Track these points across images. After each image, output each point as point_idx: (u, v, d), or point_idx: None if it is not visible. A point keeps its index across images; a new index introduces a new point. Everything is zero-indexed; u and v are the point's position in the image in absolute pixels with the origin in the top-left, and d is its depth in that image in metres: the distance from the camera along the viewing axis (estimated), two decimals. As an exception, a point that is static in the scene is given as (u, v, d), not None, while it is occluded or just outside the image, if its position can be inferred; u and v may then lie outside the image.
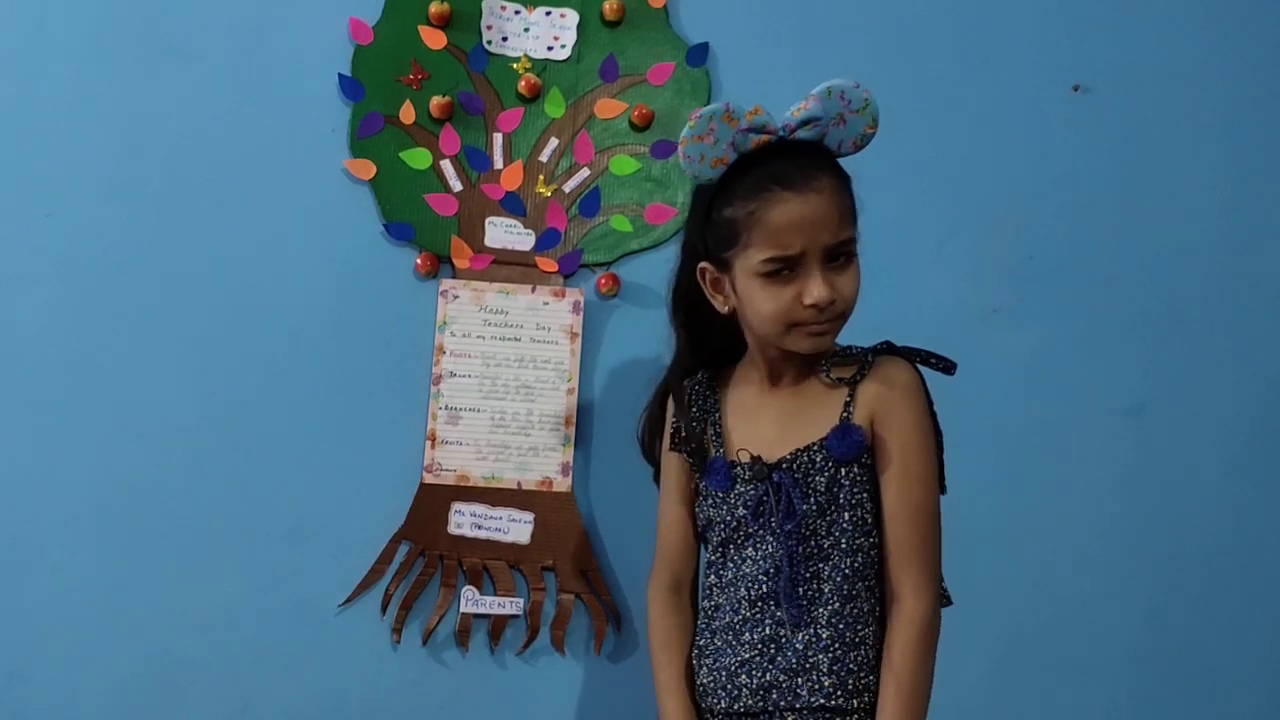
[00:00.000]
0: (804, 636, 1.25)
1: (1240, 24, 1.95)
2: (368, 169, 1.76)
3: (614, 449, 1.78)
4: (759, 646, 1.27)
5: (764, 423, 1.34)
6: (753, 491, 1.29)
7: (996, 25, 1.90)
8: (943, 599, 1.30)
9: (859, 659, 1.24)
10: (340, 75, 1.76)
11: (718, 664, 1.30)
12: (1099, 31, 1.92)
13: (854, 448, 1.26)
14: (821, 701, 1.23)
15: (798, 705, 1.24)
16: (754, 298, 1.27)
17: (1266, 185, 1.94)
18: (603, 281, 1.79)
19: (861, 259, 1.30)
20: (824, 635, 1.24)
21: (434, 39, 1.78)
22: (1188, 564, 1.87)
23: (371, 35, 1.78)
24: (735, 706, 1.28)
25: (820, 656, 1.24)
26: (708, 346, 1.40)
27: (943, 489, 1.32)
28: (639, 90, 1.82)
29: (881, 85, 1.79)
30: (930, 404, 1.30)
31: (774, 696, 1.26)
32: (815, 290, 1.23)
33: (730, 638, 1.30)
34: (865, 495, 1.27)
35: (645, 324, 1.78)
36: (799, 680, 1.24)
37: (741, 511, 1.30)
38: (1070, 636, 1.84)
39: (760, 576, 1.28)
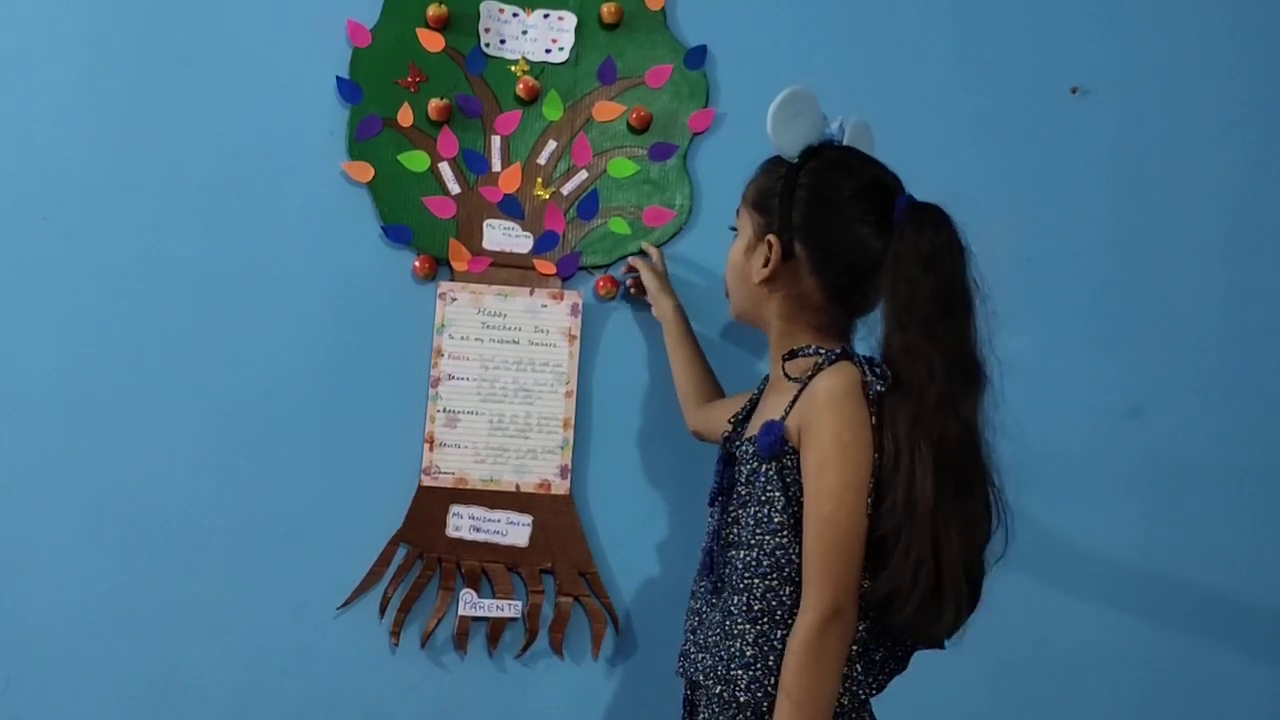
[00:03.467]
0: (711, 615, 1.31)
1: (1239, 25, 1.95)
2: (366, 172, 1.76)
3: (613, 451, 1.78)
4: (690, 616, 1.37)
5: (756, 411, 1.39)
6: (717, 469, 1.37)
7: (994, 28, 1.90)
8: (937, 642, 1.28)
9: (731, 650, 1.26)
10: (338, 78, 1.76)
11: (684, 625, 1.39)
12: (1097, 34, 1.92)
13: (770, 446, 1.26)
14: (700, 677, 1.30)
15: (692, 676, 1.32)
16: None
17: (1266, 187, 1.94)
18: (601, 284, 1.79)
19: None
20: (716, 619, 1.29)
21: (432, 41, 1.78)
22: (1189, 565, 1.87)
23: (369, 38, 1.78)
24: (679, 670, 1.37)
25: (712, 638, 1.29)
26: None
27: (887, 504, 1.22)
28: (637, 93, 1.82)
29: (880, 88, 1.83)
30: (868, 415, 1.23)
31: (685, 664, 1.35)
32: None
33: (689, 603, 1.39)
34: (777, 494, 1.25)
35: (644, 326, 1.79)
36: (698, 655, 1.31)
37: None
38: (1070, 639, 1.84)
39: (702, 553, 1.36)
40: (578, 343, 1.78)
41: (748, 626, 1.25)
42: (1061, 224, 1.89)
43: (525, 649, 1.74)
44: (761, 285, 1.34)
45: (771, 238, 1.33)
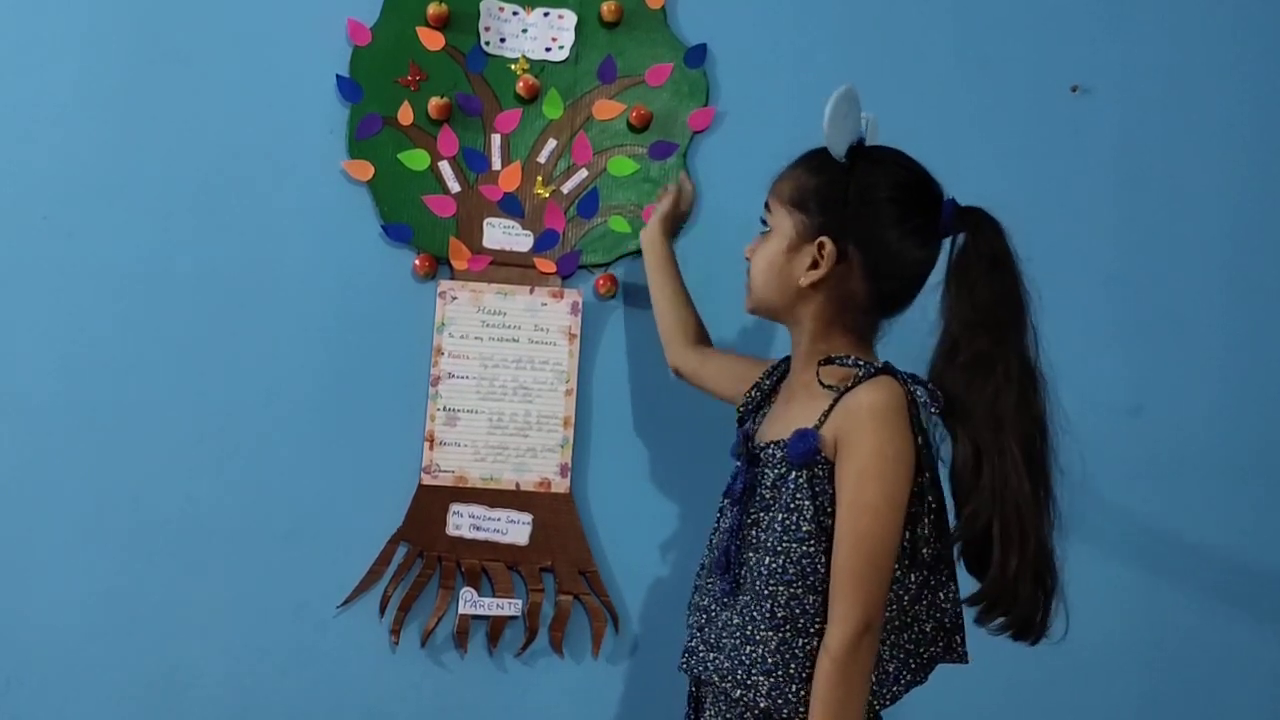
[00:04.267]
0: (724, 616, 1.30)
1: (1239, 24, 1.95)
2: (366, 170, 1.76)
3: (613, 450, 1.78)
4: (698, 613, 1.35)
5: (776, 409, 1.37)
6: (738, 467, 1.34)
7: (995, 26, 1.90)
8: (957, 655, 1.29)
9: (751, 655, 1.25)
10: (338, 76, 1.76)
11: (688, 621, 1.38)
12: (1097, 32, 1.92)
13: (803, 454, 1.24)
14: (715, 679, 1.28)
15: (704, 677, 1.31)
16: None
17: (1265, 185, 1.94)
18: (601, 282, 1.79)
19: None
20: (734, 621, 1.28)
21: (432, 40, 1.78)
22: (1185, 564, 1.87)
23: (370, 36, 1.78)
24: (682, 666, 1.36)
25: (727, 640, 1.28)
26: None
27: (918, 529, 1.24)
28: (637, 91, 1.82)
29: (880, 86, 1.81)
30: (911, 432, 1.23)
31: (692, 661, 1.33)
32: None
33: (695, 598, 1.38)
34: (807, 503, 1.24)
35: (643, 325, 1.78)
36: (710, 655, 1.30)
37: (732, 483, 1.36)
38: (1071, 638, 1.83)
39: (715, 549, 1.35)
40: (578, 341, 1.78)
41: (770, 633, 1.24)
42: (1062, 222, 1.89)
43: (525, 647, 1.74)
44: (808, 287, 1.31)
45: (825, 240, 1.29)
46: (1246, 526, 1.90)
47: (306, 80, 1.76)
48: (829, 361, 1.29)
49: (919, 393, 1.24)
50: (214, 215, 1.74)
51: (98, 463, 1.69)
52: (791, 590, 1.24)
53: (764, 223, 1.37)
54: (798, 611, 1.24)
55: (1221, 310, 1.92)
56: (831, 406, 1.25)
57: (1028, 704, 1.84)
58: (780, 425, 1.31)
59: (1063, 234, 1.89)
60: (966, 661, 1.29)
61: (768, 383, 1.44)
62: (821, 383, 1.27)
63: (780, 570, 1.24)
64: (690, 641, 1.35)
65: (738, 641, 1.26)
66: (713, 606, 1.32)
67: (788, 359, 1.43)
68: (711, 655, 1.29)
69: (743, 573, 1.28)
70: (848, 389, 1.25)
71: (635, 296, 1.80)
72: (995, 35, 1.90)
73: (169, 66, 1.74)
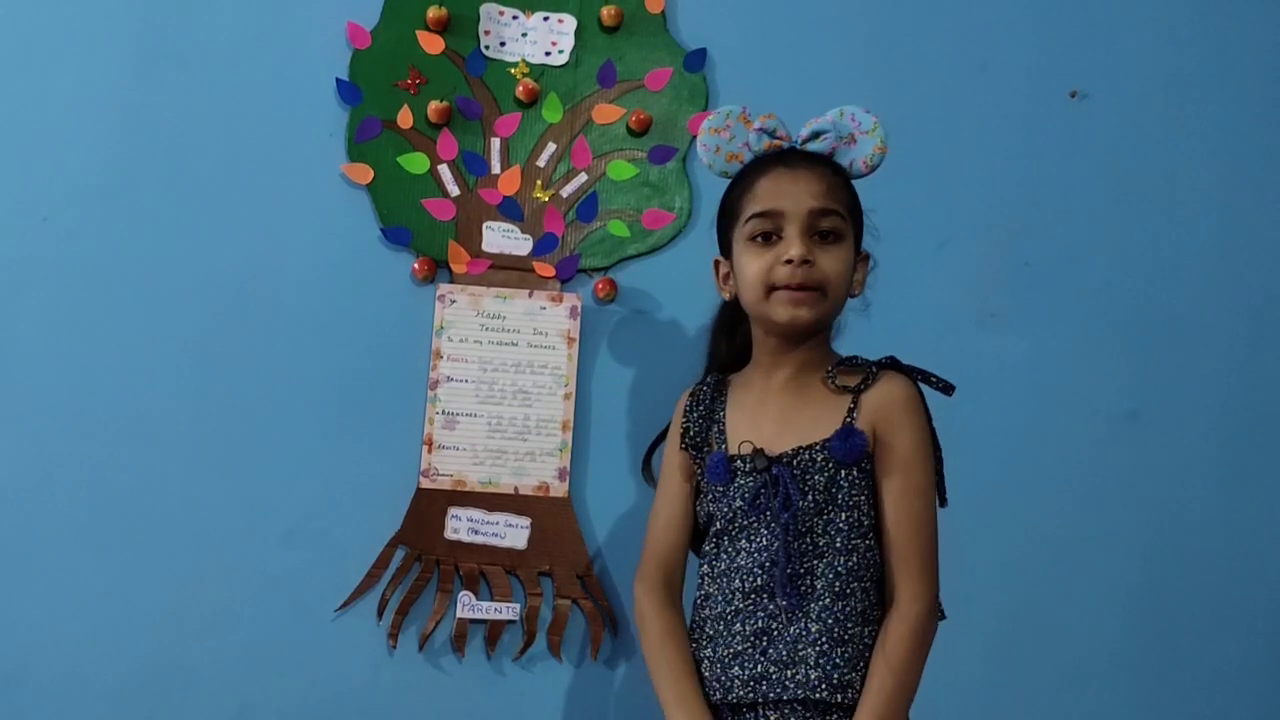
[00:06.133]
0: (795, 630, 1.28)
1: (1236, 31, 1.95)
2: (365, 173, 1.76)
3: (611, 454, 1.78)
4: (751, 639, 1.30)
5: (765, 420, 1.36)
6: (751, 484, 1.32)
7: (993, 32, 1.91)
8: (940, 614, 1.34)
9: (846, 655, 1.26)
10: (338, 79, 1.77)
11: (714, 655, 1.32)
12: (1095, 38, 1.92)
13: (855, 451, 1.29)
14: (806, 694, 1.26)
15: (785, 697, 1.27)
16: (742, 264, 1.35)
17: (1261, 191, 1.94)
18: (600, 286, 1.79)
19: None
20: (813, 629, 1.27)
21: (432, 44, 1.79)
22: (1183, 568, 1.87)
23: (369, 39, 1.78)
24: (728, 698, 1.31)
25: (808, 650, 1.27)
26: (732, 352, 1.48)
27: (943, 502, 1.36)
28: (637, 95, 1.82)
29: (879, 91, 1.83)
30: (929, 419, 1.34)
31: (763, 688, 1.28)
32: (792, 248, 1.30)
33: (721, 628, 1.32)
34: (863, 499, 1.30)
35: (642, 329, 1.79)
36: (787, 672, 1.27)
37: (739, 503, 1.32)
38: (1064, 641, 1.84)
39: (755, 569, 1.30)
40: (576, 345, 1.78)
41: (861, 629, 1.28)
42: (1059, 227, 1.89)
43: (523, 651, 1.74)
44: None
45: (867, 251, 1.40)
46: (1244, 531, 1.90)
47: (306, 83, 1.76)
48: (841, 363, 1.35)
49: (933, 380, 1.33)
50: (213, 218, 1.74)
51: (97, 464, 1.69)
52: (863, 585, 1.29)
53: (829, 232, 1.32)
54: (867, 605, 1.29)
55: (1219, 314, 1.92)
56: (855, 404, 1.31)
57: (1027, 705, 1.83)
58: (799, 431, 1.32)
59: (1061, 239, 1.89)
60: (944, 617, 1.33)
61: (696, 414, 1.41)
62: (839, 385, 1.33)
63: (856, 567, 1.29)
64: (754, 669, 1.29)
65: (825, 646, 1.26)
66: (773, 626, 1.29)
67: (701, 385, 1.43)
68: (789, 672, 1.27)
69: (809, 582, 1.29)
70: (865, 386, 1.31)
71: (634, 300, 1.80)
72: (994, 41, 1.90)
73: (169, 69, 1.75)
